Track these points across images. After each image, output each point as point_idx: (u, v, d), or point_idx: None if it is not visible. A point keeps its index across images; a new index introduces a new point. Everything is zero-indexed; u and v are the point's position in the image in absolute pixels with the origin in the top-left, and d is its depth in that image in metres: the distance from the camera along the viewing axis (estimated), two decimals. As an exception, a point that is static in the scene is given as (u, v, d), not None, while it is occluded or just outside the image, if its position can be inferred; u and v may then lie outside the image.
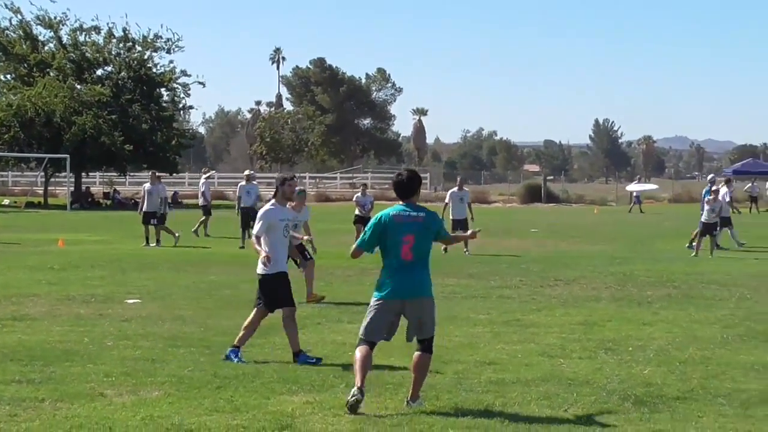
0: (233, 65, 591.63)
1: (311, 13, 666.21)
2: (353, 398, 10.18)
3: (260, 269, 13.27)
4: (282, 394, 11.11)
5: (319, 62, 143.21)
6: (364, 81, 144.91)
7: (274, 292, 13.22)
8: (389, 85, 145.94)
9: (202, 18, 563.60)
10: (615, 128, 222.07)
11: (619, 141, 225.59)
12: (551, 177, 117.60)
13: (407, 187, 10.69)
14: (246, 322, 13.48)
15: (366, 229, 10.81)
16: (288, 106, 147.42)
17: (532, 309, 18.30)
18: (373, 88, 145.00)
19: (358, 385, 10.28)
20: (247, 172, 38.22)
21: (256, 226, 13.37)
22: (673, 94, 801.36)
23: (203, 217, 39.79)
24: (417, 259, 10.47)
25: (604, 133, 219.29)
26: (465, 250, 30.85)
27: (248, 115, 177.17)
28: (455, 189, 33.15)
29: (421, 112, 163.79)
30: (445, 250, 29.07)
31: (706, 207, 31.65)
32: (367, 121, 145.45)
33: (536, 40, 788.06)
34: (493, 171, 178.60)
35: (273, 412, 10.21)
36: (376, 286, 10.64)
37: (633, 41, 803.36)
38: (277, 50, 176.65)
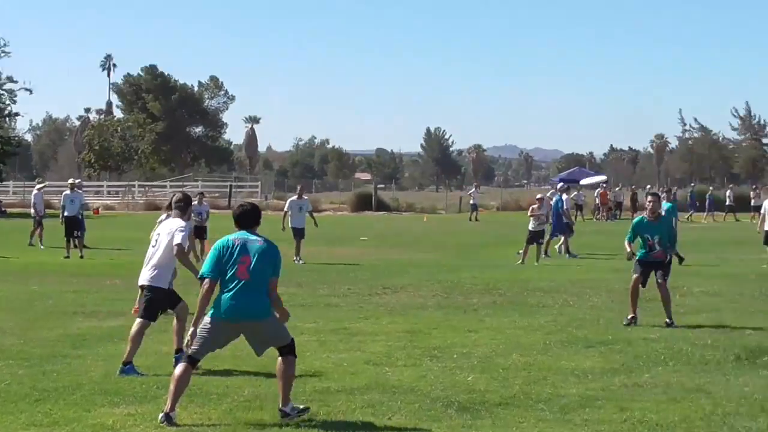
0: (63, 72, 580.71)
1: (143, 20, 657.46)
2: (161, 422, 10.13)
3: (161, 282, 13.36)
4: (103, 406, 10.91)
5: (151, 69, 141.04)
6: (196, 89, 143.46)
7: (169, 299, 13.40)
8: (222, 92, 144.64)
9: (30, 23, 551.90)
10: (446, 137, 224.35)
11: (450, 149, 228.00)
12: (382, 185, 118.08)
13: (250, 217, 10.75)
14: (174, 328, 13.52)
15: (208, 257, 10.67)
16: (118, 113, 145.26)
17: (359, 317, 18.36)
18: (206, 96, 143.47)
19: (167, 410, 10.16)
20: (71, 181, 37.36)
21: (183, 237, 13.17)
22: (503, 104, 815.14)
23: (35, 228, 38.73)
24: (254, 280, 10.32)
25: (435, 141, 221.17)
26: (295, 258, 30.77)
27: (77, 123, 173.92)
28: (295, 198, 33.01)
29: (254, 120, 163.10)
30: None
31: (534, 214, 32.16)
32: (198, 129, 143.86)
33: (368, 48, 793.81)
34: (324, 179, 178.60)
35: (93, 425, 10.03)
36: (212, 304, 10.49)
37: (463, 51, 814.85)
38: (108, 57, 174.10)
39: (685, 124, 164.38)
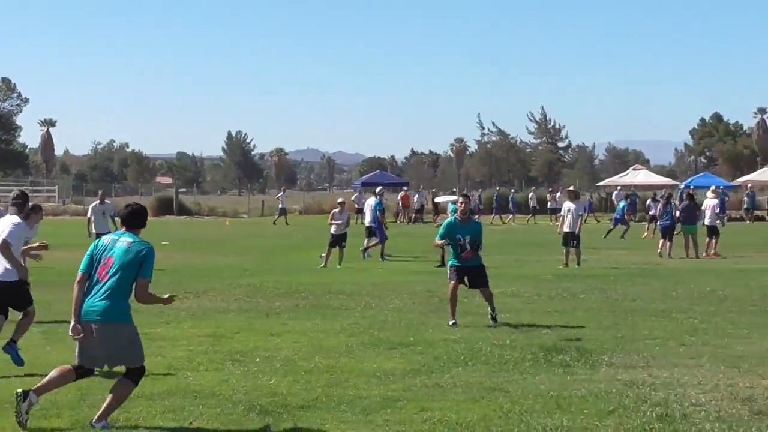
0: None
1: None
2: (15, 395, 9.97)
3: (9, 276, 13.49)
4: None
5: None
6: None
7: (17, 294, 13.64)
8: (15, 95, 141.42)
9: None
10: (248, 140, 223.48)
11: (252, 153, 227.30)
12: (184, 189, 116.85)
13: (137, 217, 10.85)
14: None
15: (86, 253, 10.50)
16: None
17: (160, 322, 18.13)
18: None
19: (34, 389, 10.06)
20: None
21: (10, 234, 13.51)
22: (305, 107, 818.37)
23: None
24: (113, 283, 10.16)
25: (237, 145, 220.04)
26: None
27: None
28: (97, 202, 32.16)
29: (49, 123, 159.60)
30: None
31: (335, 221, 32.19)
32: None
33: (167, 50, 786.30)
34: (124, 183, 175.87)
35: None
36: None
37: (261, 54, 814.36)
38: None
39: (483, 128, 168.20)
